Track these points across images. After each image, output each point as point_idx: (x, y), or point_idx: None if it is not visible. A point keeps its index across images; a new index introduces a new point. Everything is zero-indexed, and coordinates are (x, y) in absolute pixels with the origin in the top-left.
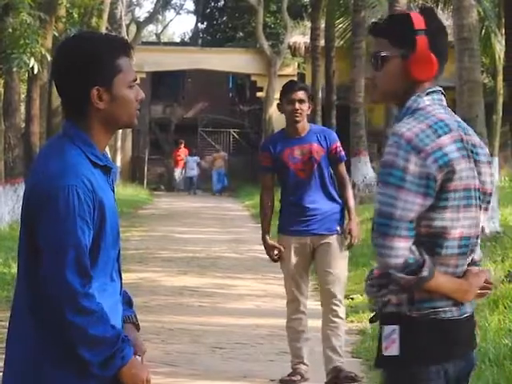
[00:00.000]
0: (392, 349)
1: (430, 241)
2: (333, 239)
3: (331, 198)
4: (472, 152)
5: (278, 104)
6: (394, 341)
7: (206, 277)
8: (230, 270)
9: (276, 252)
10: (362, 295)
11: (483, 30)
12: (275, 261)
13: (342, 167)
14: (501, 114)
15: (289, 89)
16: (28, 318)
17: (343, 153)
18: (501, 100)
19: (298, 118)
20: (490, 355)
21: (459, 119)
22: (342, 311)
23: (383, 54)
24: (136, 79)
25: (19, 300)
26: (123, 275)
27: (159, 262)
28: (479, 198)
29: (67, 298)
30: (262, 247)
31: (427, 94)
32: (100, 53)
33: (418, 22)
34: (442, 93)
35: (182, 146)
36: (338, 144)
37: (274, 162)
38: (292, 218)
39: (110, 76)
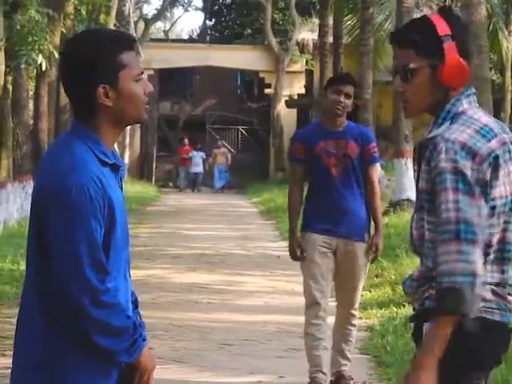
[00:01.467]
0: None
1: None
2: (358, 247)
3: (362, 201)
4: (509, 151)
5: (286, 100)
6: None
7: (214, 273)
8: (239, 267)
9: (299, 252)
10: (370, 292)
11: (491, 27)
12: (297, 259)
13: (373, 170)
14: (509, 111)
15: (339, 79)
16: (36, 316)
17: (377, 154)
18: (509, 97)
19: (339, 111)
20: None
21: (495, 119)
22: (356, 319)
23: (412, 66)
24: (143, 72)
25: (27, 298)
26: (131, 272)
27: (168, 259)
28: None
29: (88, 294)
30: (271, 244)
31: (466, 97)
32: (102, 50)
33: (442, 27)
34: (474, 93)
35: (187, 143)
36: (373, 144)
37: (307, 153)
38: (321, 216)
39: (114, 72)
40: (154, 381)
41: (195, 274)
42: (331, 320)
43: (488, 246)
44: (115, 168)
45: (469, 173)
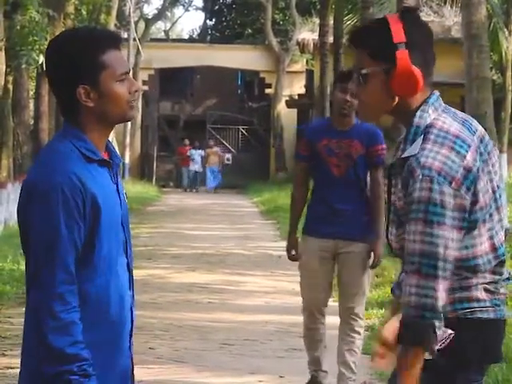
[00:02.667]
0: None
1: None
2: (358, 247)
3: (363, 202)
4: (485, 149)
5: (286, 100)
6: None
7: (214, 273)
8: (239, 267)
9: (294, 252)
10: (370, 292)
11: (491, 27)
12: (293, 260)
13: (378, 172)
14: (510, 110)
15: (346, 77)
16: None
17: (384, 156)
18: (510, 97)
19: (345, 111)
20: None
21: (462, 116)
22: (359, 325)
23: (364, 71)
24: (128, 71)
25: (27, 298)
26: None
27: (168, 259)
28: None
29: (43, 296)
30: (271, 244)
31: (431, 105)
32: (82, 51)
33: (398, 33)
34: (439, 96)
35: (187, 143)
36: (381, 147)
37: (310, 150)
38: (318, 218)
39: (94, 74)
40: (154, 381)
41: (195, 273)
42: (331, 320)
43: (475, 257)
44: (106, 164)
45: (445, 200)
